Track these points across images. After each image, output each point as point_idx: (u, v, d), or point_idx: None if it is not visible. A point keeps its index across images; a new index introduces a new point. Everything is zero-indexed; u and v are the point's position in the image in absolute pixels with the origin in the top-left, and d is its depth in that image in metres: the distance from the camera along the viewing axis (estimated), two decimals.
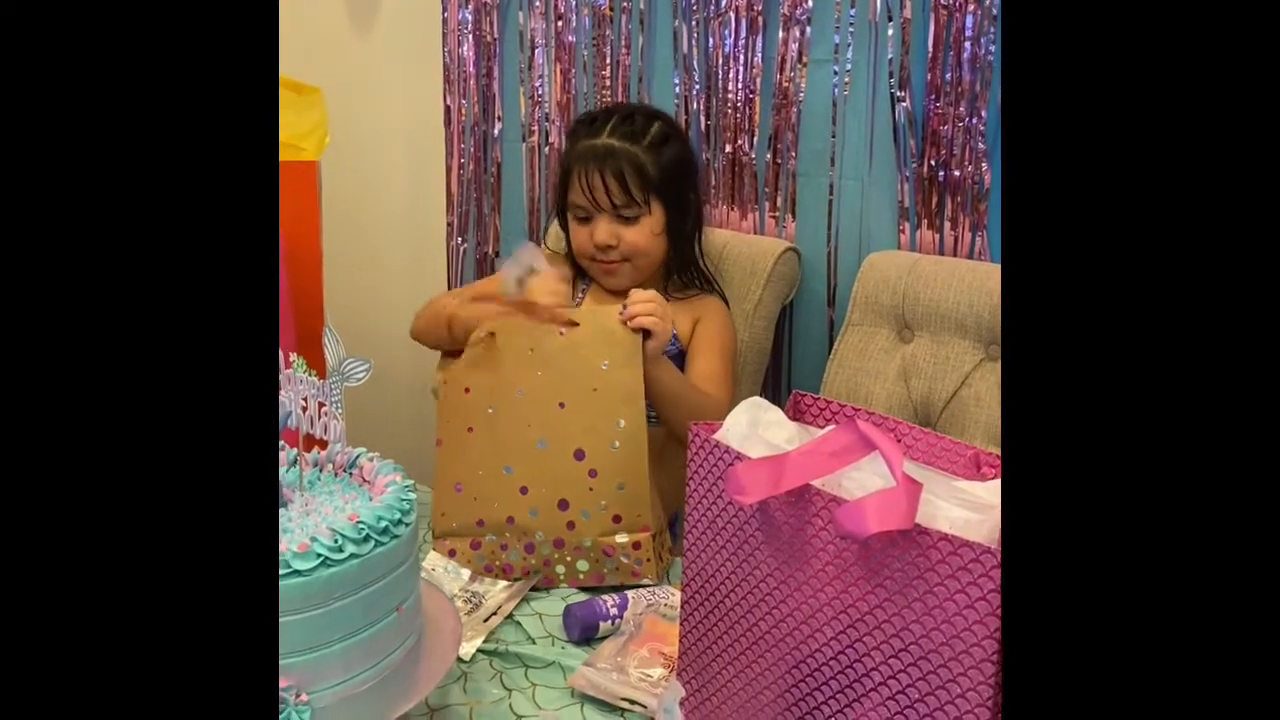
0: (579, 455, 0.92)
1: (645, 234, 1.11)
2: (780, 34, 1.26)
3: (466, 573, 0.95)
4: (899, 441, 0.67)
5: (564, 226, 1.18)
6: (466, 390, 0.96)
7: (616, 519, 0.92)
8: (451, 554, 0.96)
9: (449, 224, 1.62)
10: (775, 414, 0.67)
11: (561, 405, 0.93)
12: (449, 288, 1.65)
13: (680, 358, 1.12)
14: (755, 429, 0.66)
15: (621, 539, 0.93)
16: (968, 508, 0.57)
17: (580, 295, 1.19)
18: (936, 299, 1.12)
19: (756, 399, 0.67)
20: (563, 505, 0.93)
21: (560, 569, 0.94)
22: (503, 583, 0.94)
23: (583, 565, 0.94)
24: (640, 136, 1.11)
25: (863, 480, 0.59)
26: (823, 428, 0.72)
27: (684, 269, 1.18)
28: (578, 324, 0.94)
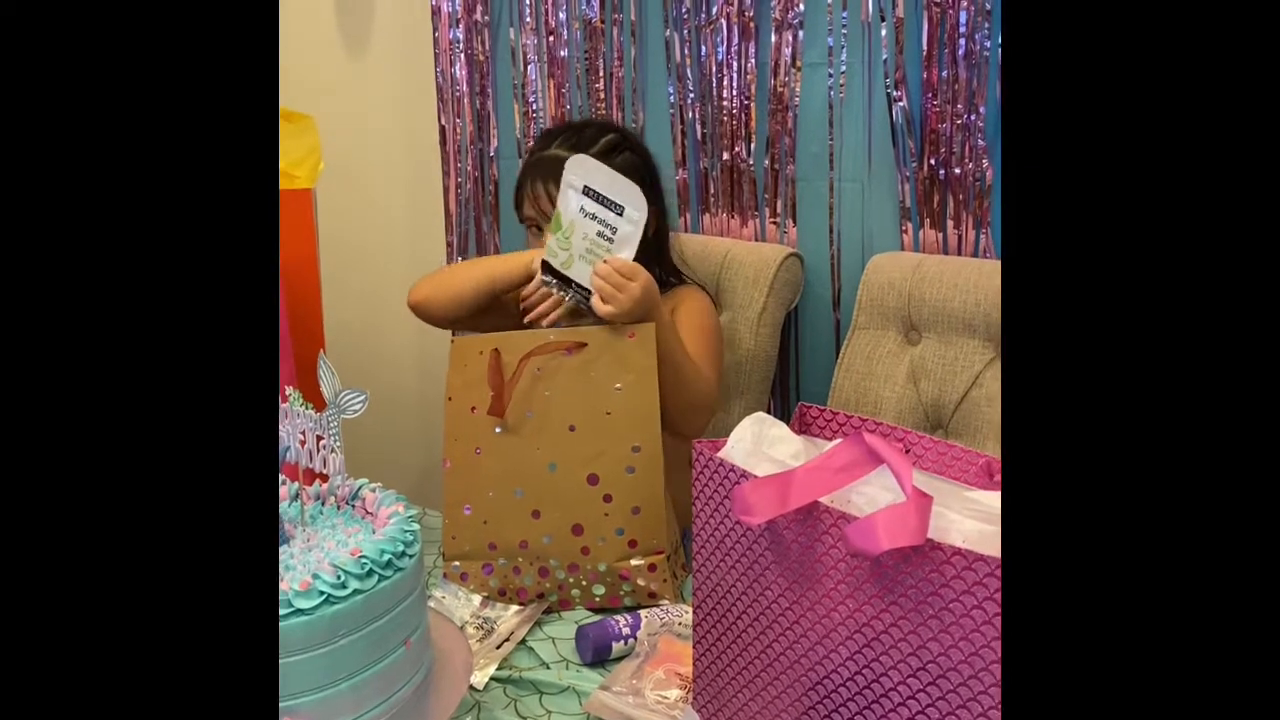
0: (592, 480, 0.91)
1: None
2: (773, 39, 1.25)
3: (477, 598, 0.93)
4: (908, 452, 0.66)
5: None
6: (473, 409, 0.94)
7: (632, 543, 0.91)
8: (463, 577, 0.95)
9: (449, 243, 1.61)
10: (780, 429, 0.66)
11: (572, 429, 0.91)
12: None
13: None
14: (760, 445, 0.64)
15: (637, 562, 0.91)
16: (981, 519, 0.56)
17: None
18: (943, 299, 1.11)
19: (761, 415, 0.66)
20: (576, 530, 0.91)
21: (575, 592, 0.93)
22: (514, 607, 0.92)
23: (598, 589, 0.92)
24: (587, 146, 1.08)
25: (872, 495, 0.57)
26: (830, 439, 0.71)
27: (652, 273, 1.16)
28: (585, 344, 0.92)
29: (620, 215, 0.94)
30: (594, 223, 0.95)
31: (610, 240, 0.95)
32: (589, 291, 0.95)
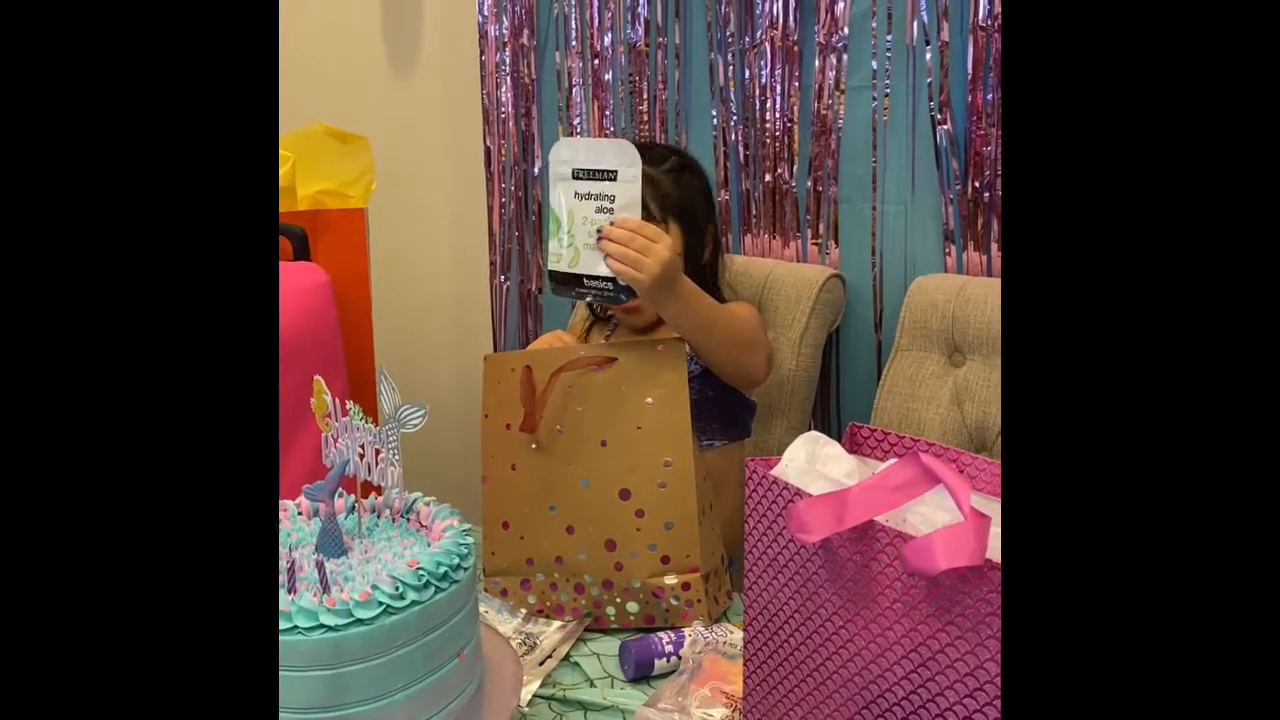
0: (624, 495, 0.91)
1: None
2: (817, 62, 1.26)
3: (519, 614, 0.94)
4: (961, 472, 0.66)
5: None
6: (507, 426, 0.95)
7: (665, 560, 0.91)
8: (504, 593, 0.96)
9: (492, 262, 1.64)
10: (834, 448, 0.66)
11: (603, 444, 0.92)
12: (493, 325, 1.67)
13: (704, 374, 1.07)
14: (814, 464, 0.65)
15: (670, 580, 0.91)
16: None
17: (608, 337, 1.18)
18: (987, 321, 1.10)
19: (814, 434, 0.66)
20: (610, 545, 0.92)
21: (610, 610, 0.93)
22: (557, 623, 0.93)
23: (633, 607, 0.92)
24: (657, 163, 1.08)
25: (928, 515, 0.58)
26: (881, 459, 0.71)
27: None
28: (615, 359, 0.92)
29: (614, 180, 0.87)
30: (590, 201, 0.88)
31: (610, 211, 0.88)
32: (607, 279, 0.90)
